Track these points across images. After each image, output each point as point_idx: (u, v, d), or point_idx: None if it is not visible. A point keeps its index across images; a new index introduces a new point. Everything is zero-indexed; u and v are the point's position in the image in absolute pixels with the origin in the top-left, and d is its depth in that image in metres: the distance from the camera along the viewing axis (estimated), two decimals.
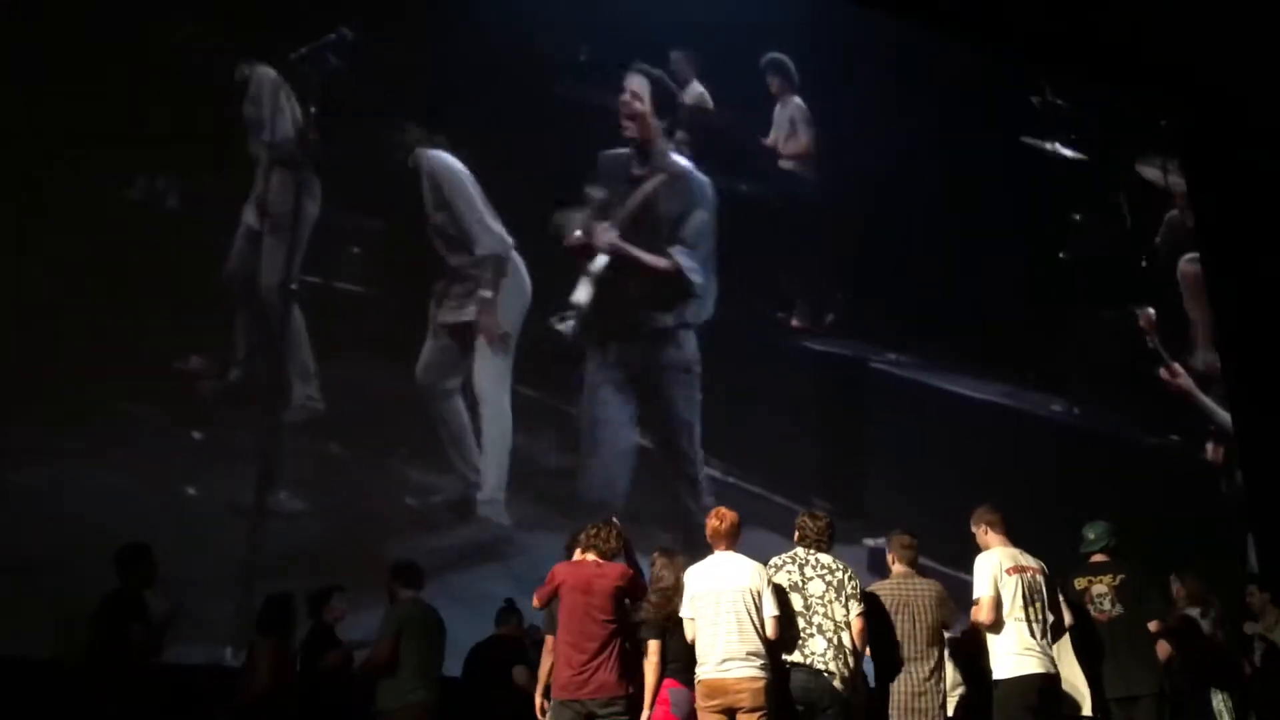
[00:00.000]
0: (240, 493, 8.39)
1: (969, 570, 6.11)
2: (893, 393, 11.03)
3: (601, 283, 10.06)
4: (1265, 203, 12.93)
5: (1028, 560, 6.04)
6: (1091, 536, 6.42)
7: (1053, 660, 5.87)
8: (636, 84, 10.70)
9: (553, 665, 5.89)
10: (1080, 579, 6.34)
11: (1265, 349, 12.61)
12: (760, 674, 5.58)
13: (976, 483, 10.11)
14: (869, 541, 9.60)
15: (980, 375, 11.43)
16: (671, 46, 11.16)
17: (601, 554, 5.95)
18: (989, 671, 5.90)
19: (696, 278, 10.44)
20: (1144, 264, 13.06)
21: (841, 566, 5.87)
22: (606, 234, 10.21)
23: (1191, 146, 13.63)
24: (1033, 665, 5.76)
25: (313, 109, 9.35)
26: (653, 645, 5.78)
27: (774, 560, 5.94)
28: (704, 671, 5.62)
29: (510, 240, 9.75)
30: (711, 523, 5.98)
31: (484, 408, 9.40)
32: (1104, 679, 6.09)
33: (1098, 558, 6.39)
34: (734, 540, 5.93)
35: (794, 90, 11.73)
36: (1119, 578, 6.24)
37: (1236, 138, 13.28)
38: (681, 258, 10.45)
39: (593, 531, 6.03)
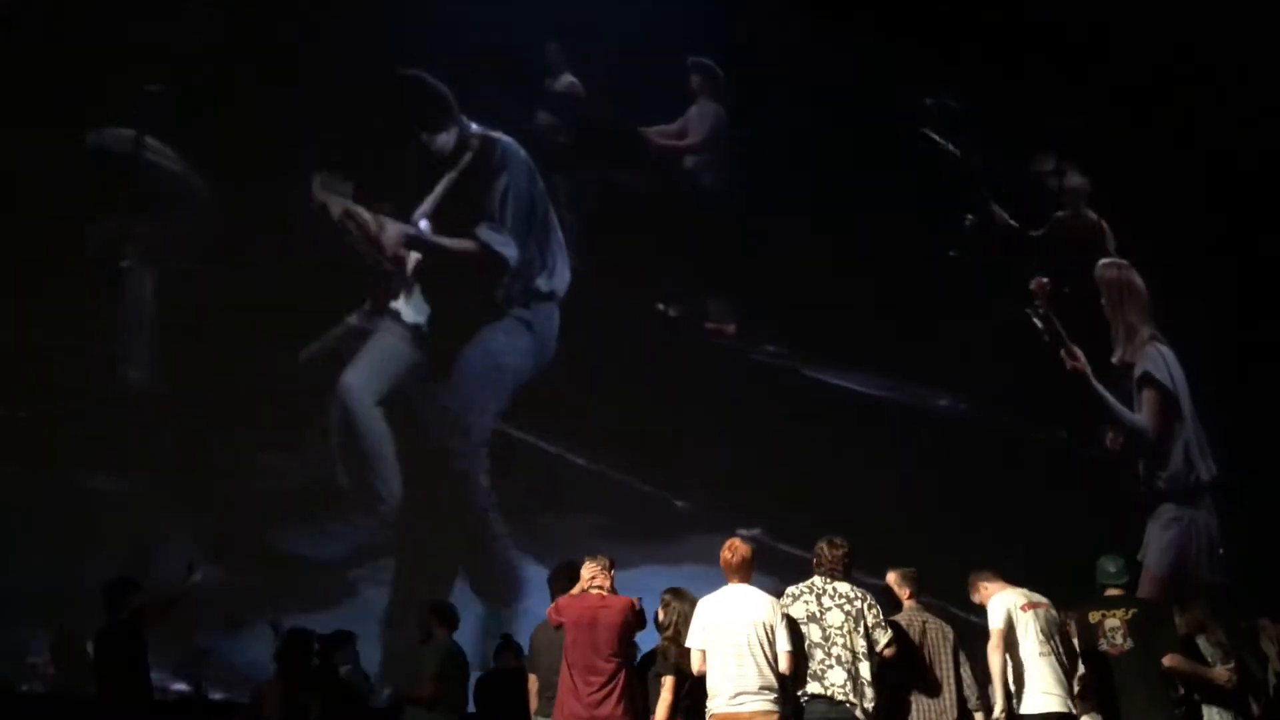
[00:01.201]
0: None
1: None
2: (772, 385, 11.04)
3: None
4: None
5: (1038, 598, 6.10)
6: (1112, 570, 6.43)
7: (1073, 699, 5.93)
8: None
9: (550, 701, 5.91)
10: (1094, 613, 6.34)
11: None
12: (773, 708, 5.54)
13: (855, 474, 10.52)
14: (743, 531, 9.72)
15: (863, 369, 11.54)
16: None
17: (602, 587, 5.95)
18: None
19: (507, 250, 10.09)
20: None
21: (860, 595, 5.82)
22: (396, 226, 9.71)
23: (1095, 147, 13.88)
24: (1055, 704, 5.84)
25: None
26: (667, 681, 5.75)
27: (790, 590, 5.90)
28: (716, 705, 5.57)
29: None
30: (724, 555, 5.93)
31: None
32: (1120, 714, 6.11)
33: (1112, 591, 6.40)
34: (747, 573, 5.88)
35: (712, 94, 11.76)
36: (1131, 612, 6.26)
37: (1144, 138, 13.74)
38: (485, 234, 10.05)
39: (595, 566, 6.02)
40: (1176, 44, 12.62)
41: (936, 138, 12.87)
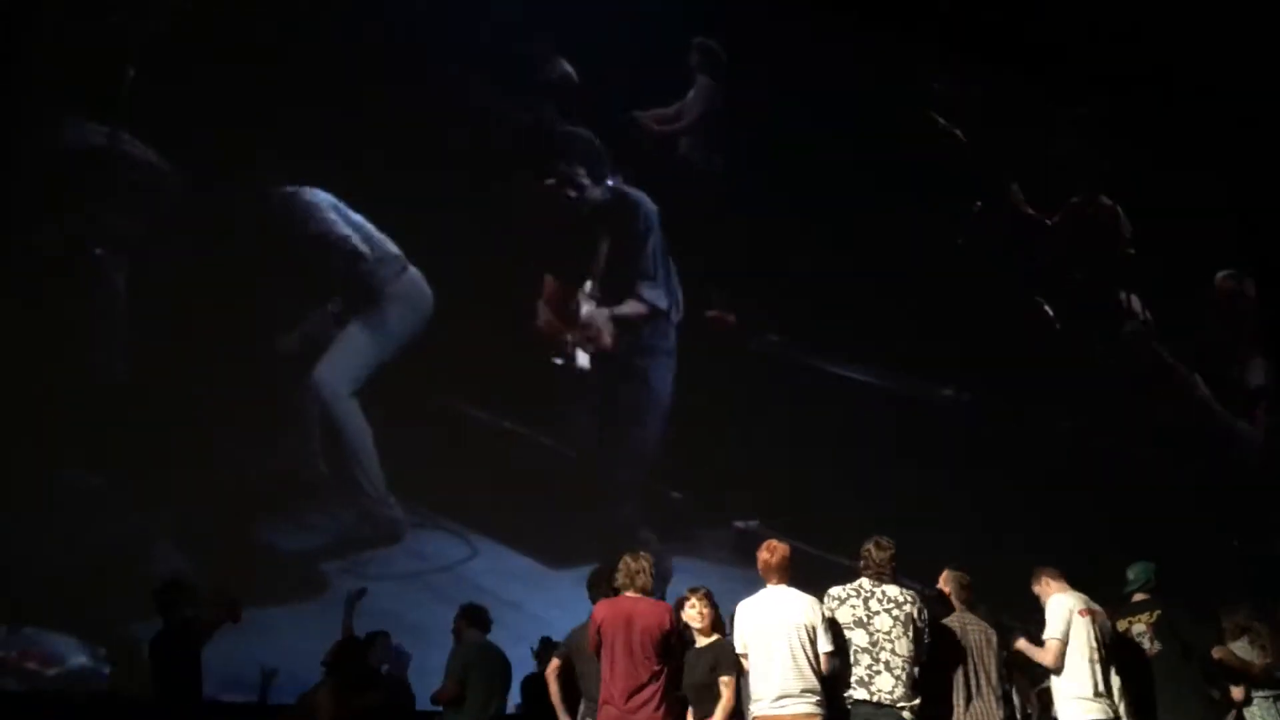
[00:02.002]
0: None
1: (847, 554, 6.11)
2: (771, 375, 11.01)
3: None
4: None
5: (1095, 605, 6.08)
6: (1132, 576, 6.46)
7: (1116, 708, 5.93)
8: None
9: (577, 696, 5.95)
10: (1121, 620, 6.35)
11: None
12: (816, 710, 5.48)
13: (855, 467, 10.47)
14: (739, 524, 9.74)
15: (866, 360, 11.51)
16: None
17: (639, 589, 5.80)
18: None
19: (662, 303, 10.60)
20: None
21: (910, 599, 5.71)
22: (598, 313, 10.33)
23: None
24: (1099, 711, 5.81)
25: None
26: (726, 680, 5.65)
27: (836, 593, 5.78)
28: (759, 709, 5.51)
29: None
30: (762, 556, 5.83)
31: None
32: (1142, 715, 6.11)
33: (1138, 596, 6.43)
34: (785, 574, 5.78)
35: (710, 73, 11.67)
36: (1155, 614, 6.27)
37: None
38: (647, 292, 10.60)
39: (630, 566, 5.86)
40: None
41: (942, 121, 12.80)
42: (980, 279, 12.31)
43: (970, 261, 12.43)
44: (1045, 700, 6.57)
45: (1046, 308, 12.85)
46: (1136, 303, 13.51)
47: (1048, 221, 13.27)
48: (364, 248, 9.43)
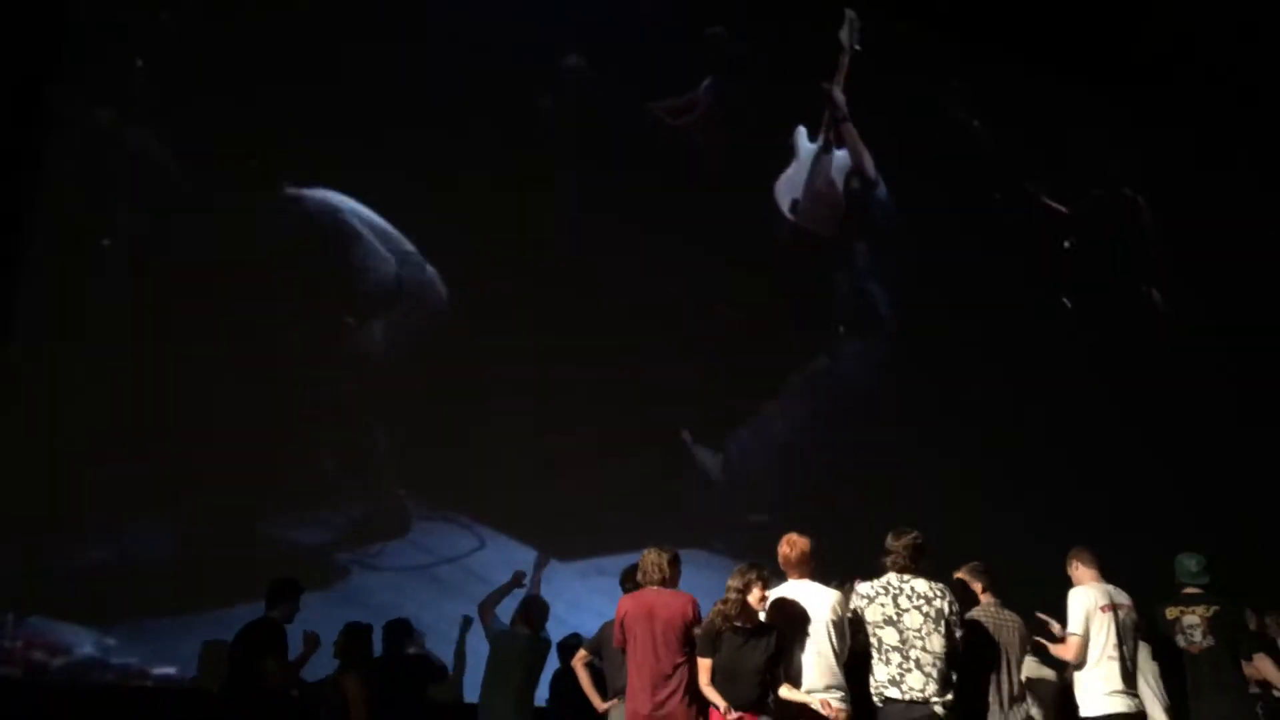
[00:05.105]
0: None
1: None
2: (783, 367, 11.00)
3: None
4: None
5: (1121, 598, 6.02)
6: (1194, 569, 6.27)
7: (1140, 701, 5.88)
8: None
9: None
10: (1172, 609, 6.21)
11: None
12: (841, 706, 5.46)
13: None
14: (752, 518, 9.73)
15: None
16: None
17: (662, 582, 5.76)
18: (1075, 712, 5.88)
19: None
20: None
21: (940, 593, 5.59)
22: None
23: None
24: (1121, 706, 5.76)
25: None
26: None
27: (864, 590, 5.68)
28: (783, 694, 5.47)
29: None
30: (783, 550, 5.76)
31: None
32: (1191, 711, 6.04)
33: (1191, 589, 6.27)
34: (806, 568, 5.74)
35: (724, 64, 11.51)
36: (1213, 609, 6.12)
37: None
38: None
39: (652, 560, 5.83)
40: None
41: (962, 114, 12.74)
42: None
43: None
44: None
45: (1065, 301, 12.77)
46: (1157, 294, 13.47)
47: (1065, 211, 13.18)
48: (382, 247, 9.39)
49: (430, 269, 9.50)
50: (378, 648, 6.78)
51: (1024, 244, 12.67)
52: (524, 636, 6.66)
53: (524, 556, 9.09)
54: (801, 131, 11.70)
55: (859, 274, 11.68)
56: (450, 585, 8.82)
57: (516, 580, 7.08)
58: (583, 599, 8.75)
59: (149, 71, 8.91)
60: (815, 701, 5.37)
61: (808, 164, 11.63)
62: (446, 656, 7.64)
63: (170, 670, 7.95)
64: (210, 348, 8.55)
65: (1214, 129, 13.47)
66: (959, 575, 6.18)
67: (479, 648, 6.82)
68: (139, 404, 8.30)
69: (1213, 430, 12.33)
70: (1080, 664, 5.86)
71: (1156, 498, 11.41)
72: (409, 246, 9.44)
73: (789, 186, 11.48)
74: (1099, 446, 11.75)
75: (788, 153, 11.65)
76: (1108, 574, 6.09)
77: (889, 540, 5.74)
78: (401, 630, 6.89)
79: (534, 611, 6.77)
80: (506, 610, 7.35)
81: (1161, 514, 10.94)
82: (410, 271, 9.44)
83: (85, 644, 7.79)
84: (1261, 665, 6.18)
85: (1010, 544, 9.13)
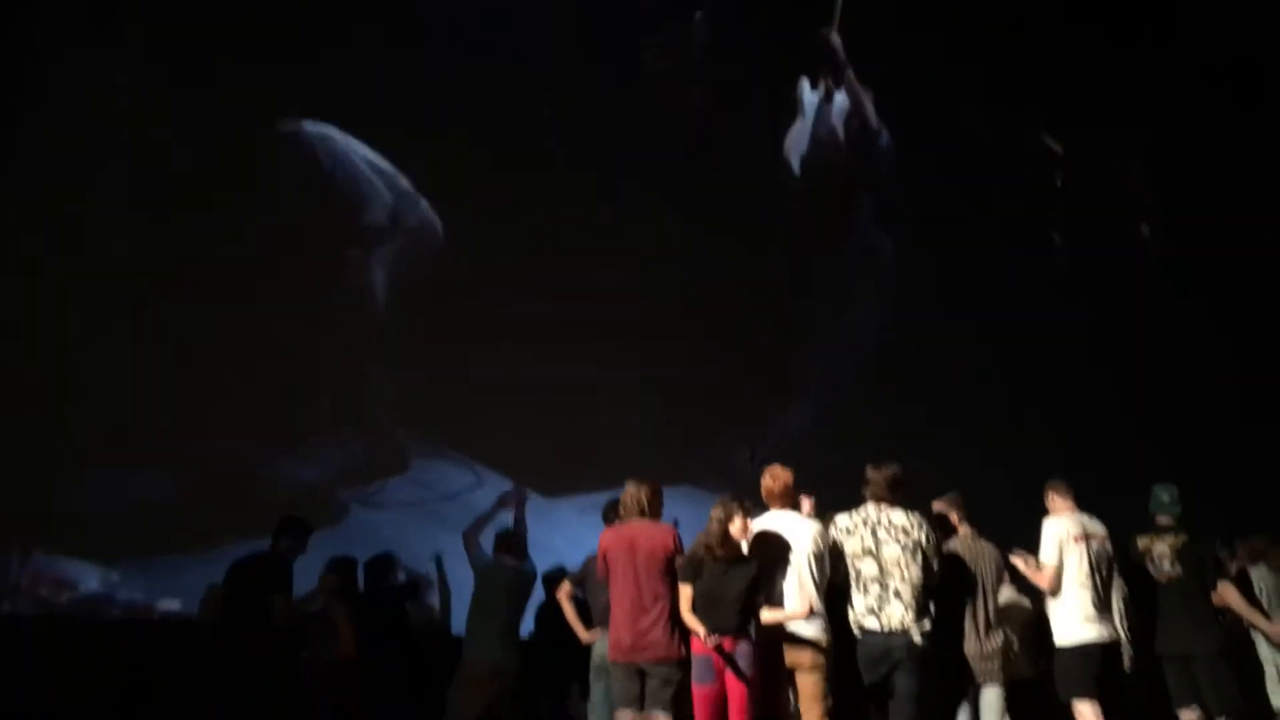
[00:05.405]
0: None
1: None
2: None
3: None
4: None
5: (1095, 528, 6.07)
6: (1166, 499, 6.32)
7: (1114, 628, 5.96)
8: None
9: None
10: (1143, 538, 6.29)
11: None
12: (821, 635, 5.53)
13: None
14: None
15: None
16: None
17: (641, 513, 5.81)
18: (1049, 638, 5.97)
19: None
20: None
21: (917, 523, 5.66)
22: None
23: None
24: (1095, 633, 5.82)
25: None
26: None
27: (843, 523, 5.75)
28: (765, 618, 5.54)
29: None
30: (765, 482, 5.79)
31: None
32: (1158, 637, 6.11)
33: (1163, 520, 6.32)
34: (789, 499, 5.79)
35: None
36: (1182, 539, 6.19)
37: None
38: None
39: (633, 493, 5.87)
40: None
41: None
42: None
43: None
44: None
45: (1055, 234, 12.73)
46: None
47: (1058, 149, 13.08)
48: (379, 182, 9.38)
49: (425, 205, 9.52)
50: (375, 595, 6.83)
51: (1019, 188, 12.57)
52: (509, 568, 6.69)
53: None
54: (804, 84, 11.61)
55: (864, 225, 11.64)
56: (451, 522, 8.89)
57: (502, 504, 7.03)
58: (581, 535, 8.85)
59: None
60: (789, 616, 5.42)
61: (811, 116, 11.56)
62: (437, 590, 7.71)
63: (175, 604, 8.10)
64: (209, 288, 8.62)
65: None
66: (937, 506, 6.22)
67: (466, 581, 6.90)
68: (140, 344, 8.40)
69: (1196, 367, 12.23)
70: (1054, 592, 5.92)
71: (1139, 431, 11.38)
72: (404, 183, 9.45)
73: (797, 141, 11.42)
74: (1086, 388, 11.71)
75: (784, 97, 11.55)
76: (1084, 505, 6.12)
77: (869, 472, 5.79)
78: (386, 564, 6.90)
79: (514, 543, 6.80)
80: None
81: (1142, 447, 10.91)
82: (406, 207, 9.45)
83: (91, 580, 7.95)
84: (1225, 592, 6.22)
85: (990, 477, 9.20)
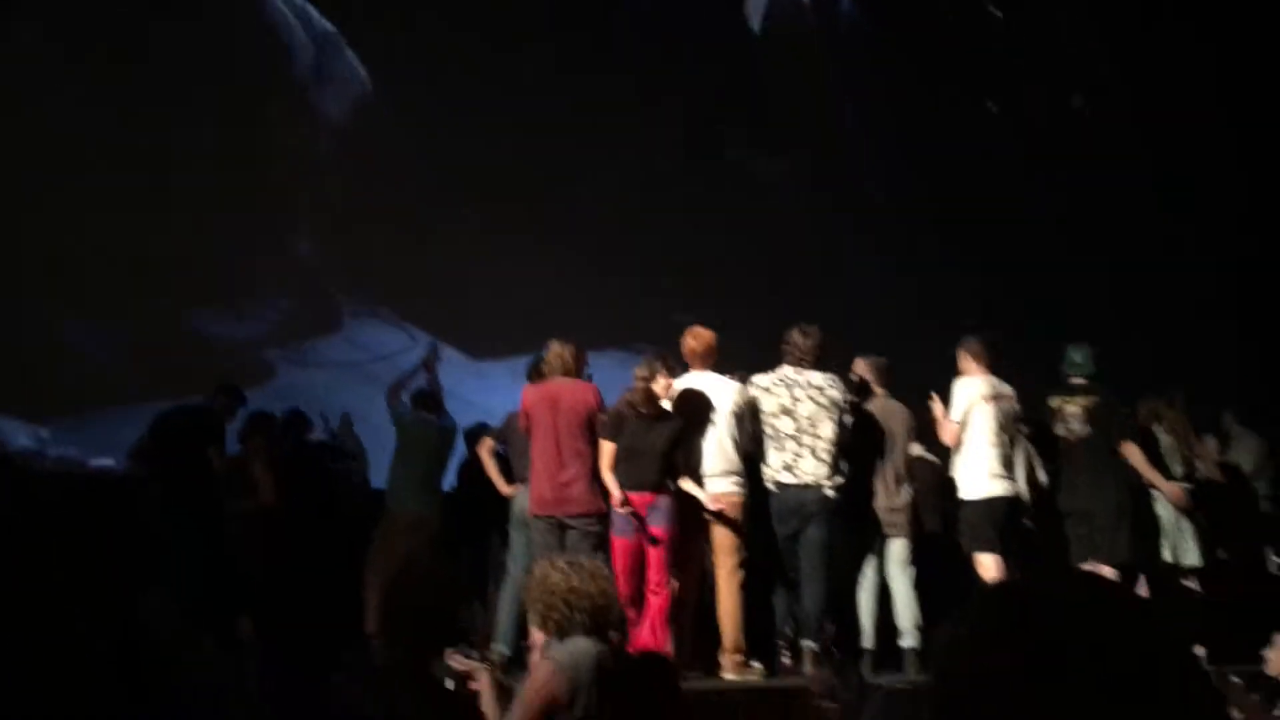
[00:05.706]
0: None
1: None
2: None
3: None
4: None
5: (1004, 389, 6.21)
6: (1078, 360, 6.40)
7: (1016, 485, 6.17)
8: None
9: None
10: (1055, 399, 6.40)
11: None
12: (735, 489, 5.70)
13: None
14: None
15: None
16: None
17: (565, 372, 5.89)
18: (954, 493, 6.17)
19: None
20: None
21: (832, 383, 5.82)
22: None
23: None
24: (1000, 489, 6.00)
25: None
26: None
27: (760, 382, 5.87)
28: (684, 486, 5.70)
29: None
30: (688, 342, 5.89)
31: None
32: (1062, 494, 6.32)
33: (1077, 380, 6.43)
34: (710, 360, 5.90)
35: None
36: (1093, 400, 6.30)
37: None
38: None
39: (556, 351, 5.94)
40: None
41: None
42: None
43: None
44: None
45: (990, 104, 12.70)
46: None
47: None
48: (298, 26, 9.09)
49: (349, 53, 9.24)
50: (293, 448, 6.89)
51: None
52: (431, 422, 6.78)
53: (454, 354, 9.26)
54: None
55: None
56: (384, 382, 8.89)
57: (426, 363, 7.07)
58: (515, 394, 8.93)
59: None
60: (705, 498, 5.59)
61: None
62: (367, 446, 7.77)
63: (108, 461, 8.10)
64: (133, 138, 8.41)
65: None
66: (857, 367, 6.35)
67: (388, 437, 6.98)
68: (68, 199, 8.23)
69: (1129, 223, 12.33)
70: (955, 447, 6.10)
71: (1069, 290, 11.51)
72: (327, 25, 9.13)
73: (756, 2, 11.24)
74: (1021, 244, 11.80)
75: None
76: (997, 366, 6.25)
77: (795, 336, 5.89)
78: (300, 419, 6.99)
79: (430, 400, 6.89)
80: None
81: (1072, 307, 11.06)
82: (330, 54, 9.18)
83: (20, 436, 7.93)
84: (1128, 451, 6.39)
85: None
